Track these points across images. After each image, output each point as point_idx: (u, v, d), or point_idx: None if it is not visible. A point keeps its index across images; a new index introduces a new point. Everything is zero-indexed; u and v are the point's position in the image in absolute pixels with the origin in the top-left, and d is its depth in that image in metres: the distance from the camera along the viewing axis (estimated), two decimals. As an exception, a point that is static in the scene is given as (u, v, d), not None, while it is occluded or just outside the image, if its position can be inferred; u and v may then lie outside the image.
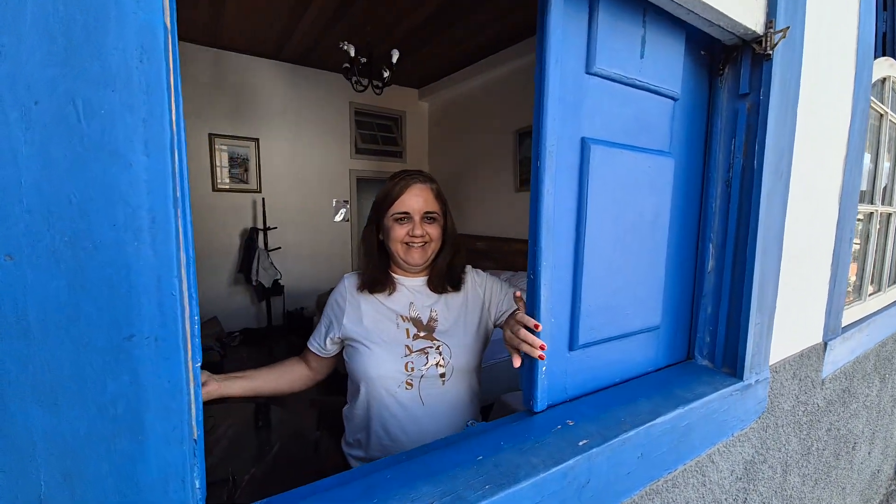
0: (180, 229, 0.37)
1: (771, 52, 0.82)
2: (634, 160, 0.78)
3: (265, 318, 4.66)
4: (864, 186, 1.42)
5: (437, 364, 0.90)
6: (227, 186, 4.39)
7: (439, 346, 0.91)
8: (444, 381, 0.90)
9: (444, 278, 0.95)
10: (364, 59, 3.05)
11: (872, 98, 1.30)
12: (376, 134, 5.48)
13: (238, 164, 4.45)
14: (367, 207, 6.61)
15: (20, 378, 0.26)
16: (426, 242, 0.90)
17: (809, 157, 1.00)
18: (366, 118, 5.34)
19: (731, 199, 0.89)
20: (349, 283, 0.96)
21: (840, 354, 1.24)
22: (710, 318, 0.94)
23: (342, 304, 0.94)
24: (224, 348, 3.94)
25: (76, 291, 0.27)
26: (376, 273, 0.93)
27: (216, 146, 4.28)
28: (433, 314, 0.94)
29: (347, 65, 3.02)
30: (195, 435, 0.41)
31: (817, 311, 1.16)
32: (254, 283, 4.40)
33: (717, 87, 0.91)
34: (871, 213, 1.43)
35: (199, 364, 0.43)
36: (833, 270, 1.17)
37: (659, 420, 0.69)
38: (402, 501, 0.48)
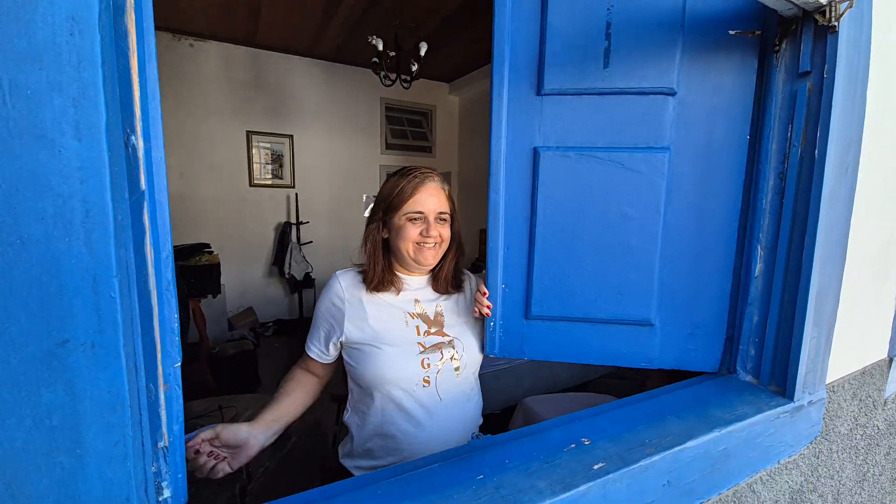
0: (146, 223, 0.35)
1: (836, 24, 0.70)
2: (602, 160, 0.85)
3: (297, 309, 4.81)
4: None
5: (451, 358, 0.90)
6: (263, 182, 4.54)
7: (451, 341, 0.91)
8: (458, 374, 0.91)
9: (450, 280, 0.95)
10: (392, 53, 3.03)
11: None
12: (406, 129, 5.48)
13: (273, 161, 4.59)
14: (395, 202, 6.61)
15: (-56, 385, 0.24)
16: (437, 243, 0.88)
17: (882, 147, 0.86)
18: (396, 113, 5.35)
19: (786, 194, 0.78)
20: (345, 281, 0.89)
21: (912, 373, 1.08)
22: (757, 329, 0.84)
23: (340, 305, 0.88)
24: (258, 337, 4.10)
25: (3, 292, 0.24)
26: (384, 273, 0.89)
27: (253, 143, 4.43)
28: (438, 310, 0.94)
29: (376, 59, 3.01)
30: (164, 442, 0.39)
31: (884, 324, 1.01)
32: (287, 276, 4.54)
33: (771, 67, 0.80)
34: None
35: (177, 365, 0.41)
36: (908, 277, 1.01)
37: (690, 444, 0.62)
38: (390, 523, 0.44)
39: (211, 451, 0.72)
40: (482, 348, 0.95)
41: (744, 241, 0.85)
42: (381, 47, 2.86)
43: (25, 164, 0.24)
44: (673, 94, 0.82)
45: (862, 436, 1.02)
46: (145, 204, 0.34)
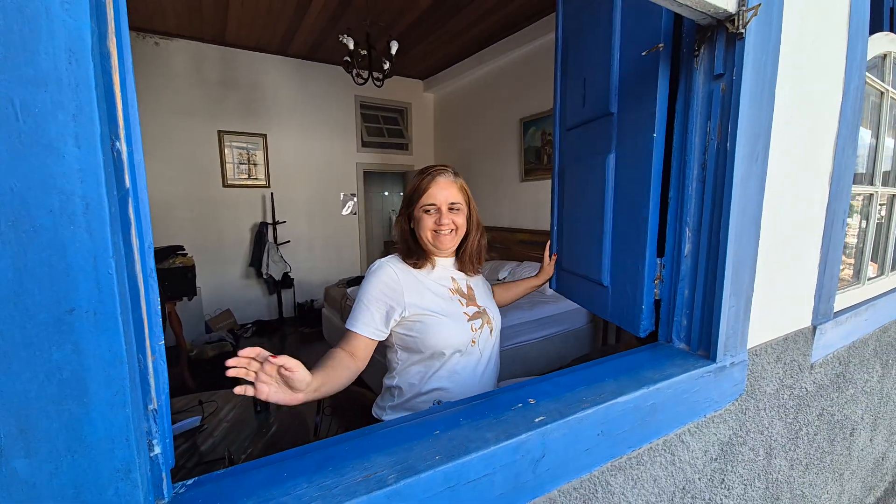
0: (131, 216, 0.41)
1: (743, 31, 0.81)
2: (584, 165, 1.22)
3: (276, 309, 4.79)
4: (863, 167, 1.38)
5: (486, 323, 1.10)
6: (237, 182, 4.50)
7: (484, 309, 1.11)
8: (492, 335, 1.11)
9: (476, 260, 1.14)
10: (364, 52, 3.06)
11: (870, 75, 1.25)
12: (382, 127, 5.51)
13: (247, 160, 4.54)
14: (373, 201, 6.75)
15: (-25, 345, 0.30)
16: (452, 230, 1.03)
17: (792, 138, 0.98)
18: (371, 111, 5.37)
19: (706, 181, 0.89)
20: (392, 265, 1.03)
21: (832, 339, 1.22)
22: (687, 302, 0.95)
23: (395, 285, 0.99)
24: (237, 339, 4.08)
25: (20, 270, 0.30)
26: (418, 254, 1.06)
27: (225, 143, 4.38)
28: (469, 283, 1.13)
29: (347, 58, 3.04)
30: (154, 405, 0.45)
31: (806, 295, 1.14)
32: (264, 276, 4.52)
33: (692, 70, 0.91)
34: (872, 194, 1.39)
35: (161, 342, 0.47)
36: (823, 254, 1.15)
37: (621, 399, 0.71)
38: (355, 470, 0.51)
39: (257, 373, 0.67)
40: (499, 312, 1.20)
41: (675, 226, 0.96)
42: (351, 46, 2.89)
43: (36, 168, 0.30)
44: (612, 114, 1.08)
45: (790, 396, 1.16)
46: (130, 200, 0.40)
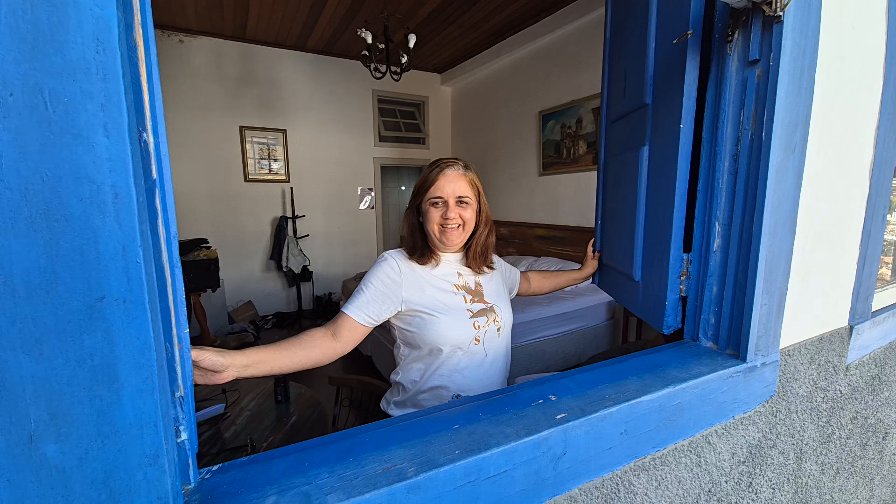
0: (158, 207, 0.41)
1: (781, 14, 0.76)
2: (622, 159, 1.19)
3: (296, 302, 4.88)
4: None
5: (493, 321, 1.06)
6: (258, 177, 4.58)
7: (492, 307, 1.07)
8: (499, 334, 1.07)
9: (480, 258, 1.08)
10: (382, 46, 3.06)
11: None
12: (399, 121, 5.51)
13: (268, 155, 4.62)
14: (390, 195, 6.81)
15: (10, 331, 0.30)
16: (459, 225, 0.99)
17: (831, 128, 0.93)
18: (388, 105, 5.38)
19: (738, 174, 0.85)
20: (396, 258, 1.01)
21: (869, 339, 1.16)
22: (716, 299, 0.91)
23: (396, 278, 0.98)
24: (258, 330, 4.18)
25: (52, 258, 0.31)
26: (423, 248, 1.03)
27: (246, 138, 4.46)
28: (476, 279, 1.09)
29: (365, 52, 3.04)
30: (181, 393, 0.46)
31: (843, 294, 1.09)
32: (284, 270, 4.61)
33: (725, 57, 0.86)
34: (917, 188, 1.31)
35: (186, 330, 0.48)
36: (862, 250, 1.09)
37: (645, 398, 0.69)
38: (375, 462, 0.51)
39: None
40: (512, 310, 1.16)
41: (704, 220, 0.92)
42: (369, 40, 2.89)
43: (66, 158, 0.31)
44: (647, 105, 1.05)
45: (823, 398, 1.11)
46: (157, 191, 0.41)
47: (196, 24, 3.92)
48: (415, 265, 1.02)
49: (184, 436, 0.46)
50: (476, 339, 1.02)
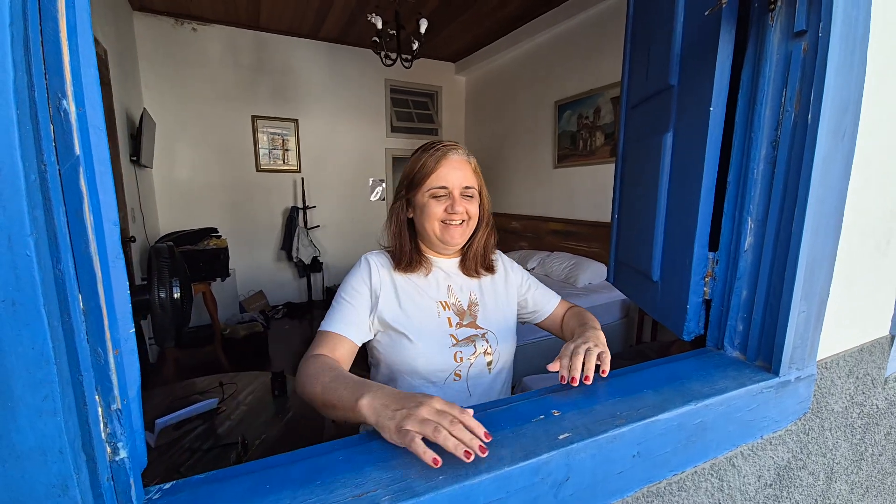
0: (83, 188, 0.35)
1: (836, -25, 0.65)
2: (642, 146, 1.08)
3: (306, 292, 4.89)
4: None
5: (485, 352, 0.86)
6: (270, 167, 4.57)
7: (485, 334, 0.87)
8: (490, 368, 0.87)
9: (480, 261, 0.91)
10: (393, 32, 2.97)
11: None
12: (412, 111, 5.42)
13: (280, 145, 4.60)
14: (400, 186, 6.60)
15: None
16: (464, 221, 0.84)
17: (882, 112, 0.81)
18: (401, 95, 5.29)
19: (778, 163, 0.75)
20: (376, 261, 0.85)
21: (916, 351, 1.04)
22: (745, 304, 0.82)
23: (373, 285, 0.82)
24: (268, 320, 4.20)
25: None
26: (411, 252, 0.85)
27: (259, 128, 4.45)
28: (473, 298, 0.89)
29: (376, 38, 2.96)
30: (118, 405, 0.40)
31: (886, 300, 0.97)
32: (295, 260, 4.61)
33: (766, 28, 0.76)
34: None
35: (131, 331, 0.42)
36: (914, 252, 0.97)
37: (662, 416, 0.61)
38: (345, 487, 0.45)
39: None
40: (516, 337, 0.94)
41: (734, 215, 0.82)
42: (379, 25, 2.80)
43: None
44: (672, 87, 0.93)
45: (859, 414, 1.00)
46: (81, 170, 0.34)
47: (210, 13, 3.89)
48: (397, 274, 0.85)
49: (123, 453, 0.40)
50: (456, 374, 0.83)
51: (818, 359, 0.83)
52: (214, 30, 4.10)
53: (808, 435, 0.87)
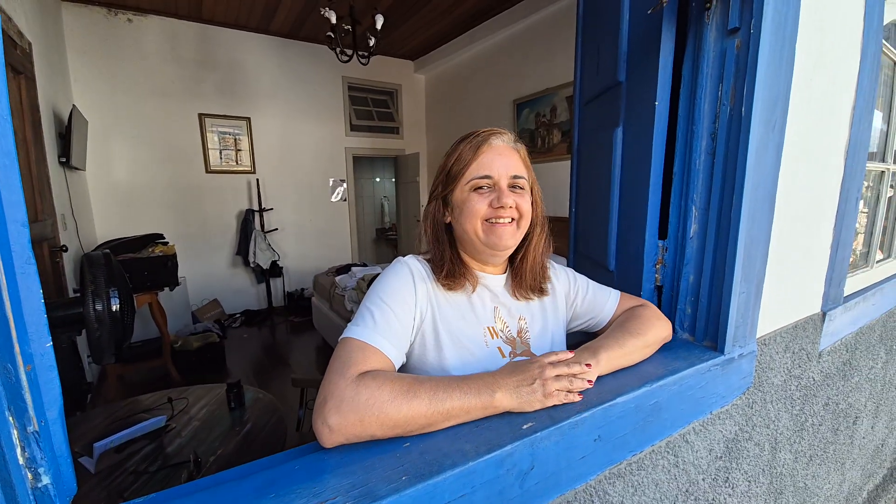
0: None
1: (763, -23, 0.70)
2: (595, 141, 1.12)
3: (265, 299, 4.68)
4: (874, 141, 1.29)
5: None
6: (221, 168, 4.33)
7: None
8: None
9: (532, 279, 0.74)
10: (348, 27, 2.89)
11: (885, 43, 1.15)
12: (371, 110, 5.33)
13: (232, 145, 4.37)
14: (364, 187, 6.62)
15: None
16: (514, 218, 0.67)
17: (809, 105, 0.88)
18: (360, 93, 5.18)
19: (717, 154, 0.79)
20: (418, 269, 0.68)
21: (841, 325, 1.15)
22: (692, 288, 0.86)
23: (418, 298, 0.65)
24: (224, 330, 3.98)
25: None
26: (452, 260, 0.69)
27: (207, 127, 4.20)
28: (522, 322, 0.73)
29: (330, 34, 2.87)
30: (34, 427, 0.35)
31: (816, 279, 1.06)
32: (252, 265, 4.40)
33: (703, 26, 0.80)
34: (883, 171, 1.30)
35: (48, 344, 0.37)
36: (836, 234, 1.06)
37: (620, 399, 0.63)
38: (301, 498, 0.42)
39: None
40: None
41: (680, 205, 0.86)
42: (334, 20, 2.72)
43: None
44: (620, 83, 0.96)
45: (797, 387, 1.09)
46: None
47: (146, 3, 3.62)
48: (439, 290, 0.68)
49: (46, 479, 0.36)
50: None
51: (758, 336, 0.89)
52: (152, 21, 3.82)
53: (752, 408, 0.93)
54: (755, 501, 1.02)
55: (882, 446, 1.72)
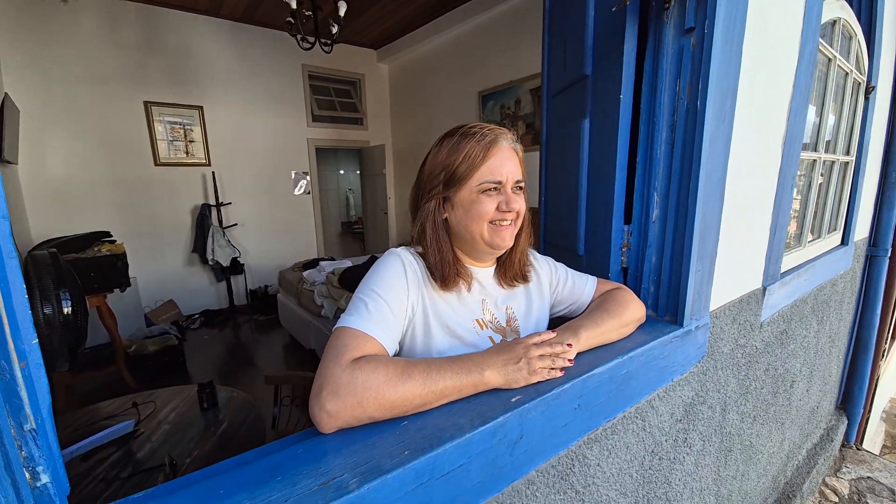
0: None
1: (715, -19, 0.76)
2: (564, 132, 1.17)
3: (226, 298, 4.49)
4: (808, 132, 1.44)
5: None
6: (172, 160, 4.07)
7: None
8: None
9: (520, 270, 0.78)
10: (309, 13, 2.79)
11: (821, 41, 1.28)
12: (334, 100, 5.18)
13: (182, 136, 4.11)
14: (328, 179, 6.45)
15: None
16: (513, 221, 0.71)
17: (753, 100, 0.97)
18: (322, 83, 5.02)
19: (675, 144, 0.86)
20: (411, 264, 0.68)
21: (778, 298, 1.29)
22: (655, 268, 0.93)
23: (410, 293, 0.66)
24: (183, 331, 3.78)
25: None
26: (455, 266, 0.71)
27: (155, 116, 3.92)
28: (509, 311, 0.77)
29: (290, 19, 2.76)
30: (31, 424, 0.34)
31: (758, 257, 1.18)
32: (210, 263, 4.19)
33: (662, 25, 0.86)
34: (814, 160, 1.46)
35: (34, 342, 0.36)
36: (774, 217, 1.18)
37: (597, 371, 0.68)
38: (309, 478, 0.43)
39: None
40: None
41: (643, 191, 0.93)
42: (294, 5, 2.62)
43: None
44: (587, 77, 1.01)
45: (742, 354, 1.21)
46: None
47: (78, -22, 3.30)
48: (432, 289, 0.69)
49: (45, 478, 0.35)
50: None
51: (711, 309, 0.98)
52: (89, 2, 3.49)
53: (705, 375, 1.03)
54: (709, 458, 1.13)
55: (817, 408, 1.94)
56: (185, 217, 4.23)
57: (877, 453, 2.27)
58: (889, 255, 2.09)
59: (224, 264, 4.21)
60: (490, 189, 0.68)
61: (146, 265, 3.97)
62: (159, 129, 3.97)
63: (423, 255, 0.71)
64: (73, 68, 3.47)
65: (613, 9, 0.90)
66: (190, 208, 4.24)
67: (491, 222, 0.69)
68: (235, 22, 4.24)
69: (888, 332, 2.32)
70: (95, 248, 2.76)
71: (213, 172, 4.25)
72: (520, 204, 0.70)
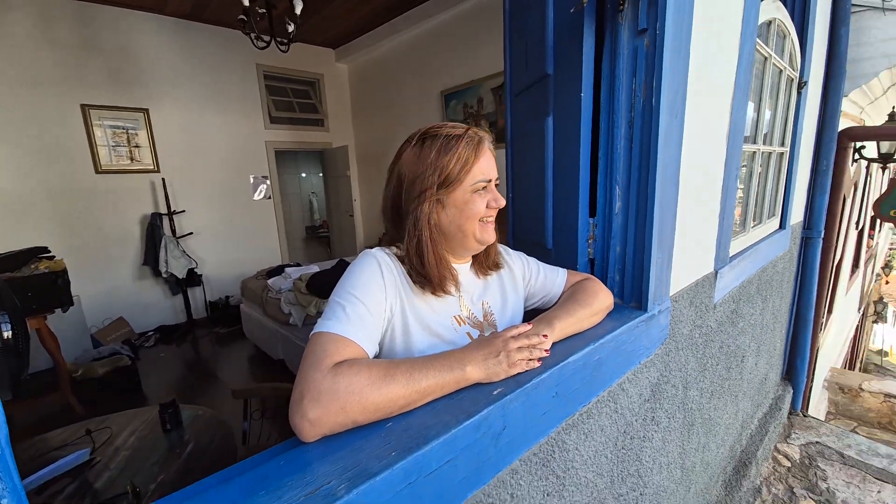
0: None
1: (663, -15, 0.81)
2: (528, 130, 1.20)
3: (184, 312, 4.24)
4: (748, 126, 1.55)
5: None
6: (115, 167, 3.79)
7: None
8: None
9: (494, 258, 0.82)
10: (262, 11, 2.69)
11: (758, 41, 1.39)
12: (292, 101, 5.02)
13: (126, 141, 3.83)
14: (289, 183, 6.27)
15: None
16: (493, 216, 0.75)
17: (699, 97, 1.04)
18: (278, 83, 4.86)
19: (634, 139, 0.91)
20: (385, 261, 0.68)
21: (728, 281, 1.39)
22: (619, 258, 0.98)
23: (388, 295, 0.65)
24: (136, 351, 3.54)
25: None
26: (446, 269, 0.70)
27: (93, 120, 3.63)
28: (485, 306, 0.79)
29: (243, 17, 2.65)
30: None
31: (709, 243, 1.27)
32: (164, 275, 3.95)
33: (618, 26, 0.90)
34: (754, 152, 1.58)
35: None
36: (722, 206, 1.27)
37: (572, 359, 0.71)
38: (295, 488, 0.42)
39: None
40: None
41: (606, 185, 0.98)
42: (246, 2, 2.51)
43: None
44: (549, 76, 1.04)
45: (699, 334, 1.29)
46: None
47: (-4, -30, 3.00)
48: (408, 283, 0.69)
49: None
50: None
51: (671, 294, 1.04)
52: (8, -7, 3.18)
53: (668, 356, 1.09)
54: (674, 434, 1.20)
55: (765, 380, 2.10)
56: (133, 228, 3.95)
57: (822, 419, 2.50)
58: (822, 236, 2.30)
59: (179, 276, 3.97)
60: (481, 188, 0.71)
61: (91, 282, 3.67)
62: (99, 133, 3.69)
63: (402, 258, 0.71)
64: (1, 70, 3.16)
65: (571, 10, 0.94)
66: (138, 218, 3.97)
67: (481, 219, 0.72)
68: (181, 19, 4.01)
69: (824, 307, 2.56)
70: (32, 266, 2.53)
71: (163, 179, 4.00)
72: (503, 200, 0.74)
